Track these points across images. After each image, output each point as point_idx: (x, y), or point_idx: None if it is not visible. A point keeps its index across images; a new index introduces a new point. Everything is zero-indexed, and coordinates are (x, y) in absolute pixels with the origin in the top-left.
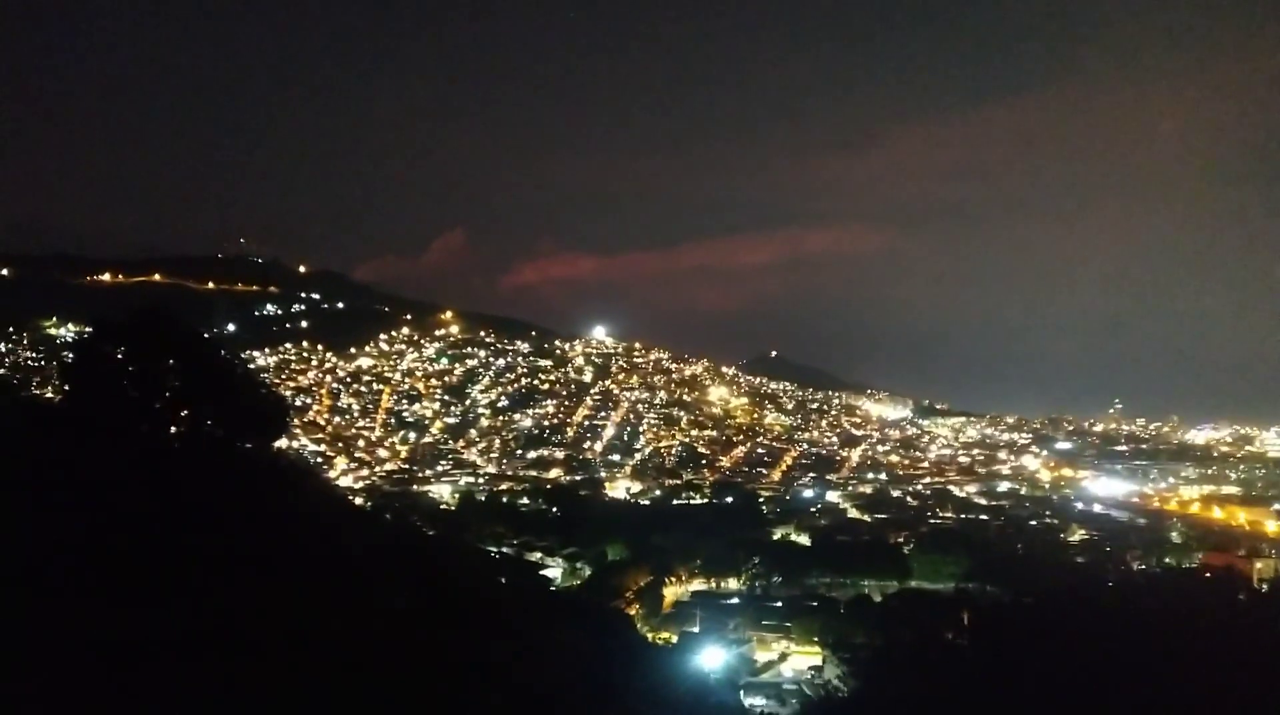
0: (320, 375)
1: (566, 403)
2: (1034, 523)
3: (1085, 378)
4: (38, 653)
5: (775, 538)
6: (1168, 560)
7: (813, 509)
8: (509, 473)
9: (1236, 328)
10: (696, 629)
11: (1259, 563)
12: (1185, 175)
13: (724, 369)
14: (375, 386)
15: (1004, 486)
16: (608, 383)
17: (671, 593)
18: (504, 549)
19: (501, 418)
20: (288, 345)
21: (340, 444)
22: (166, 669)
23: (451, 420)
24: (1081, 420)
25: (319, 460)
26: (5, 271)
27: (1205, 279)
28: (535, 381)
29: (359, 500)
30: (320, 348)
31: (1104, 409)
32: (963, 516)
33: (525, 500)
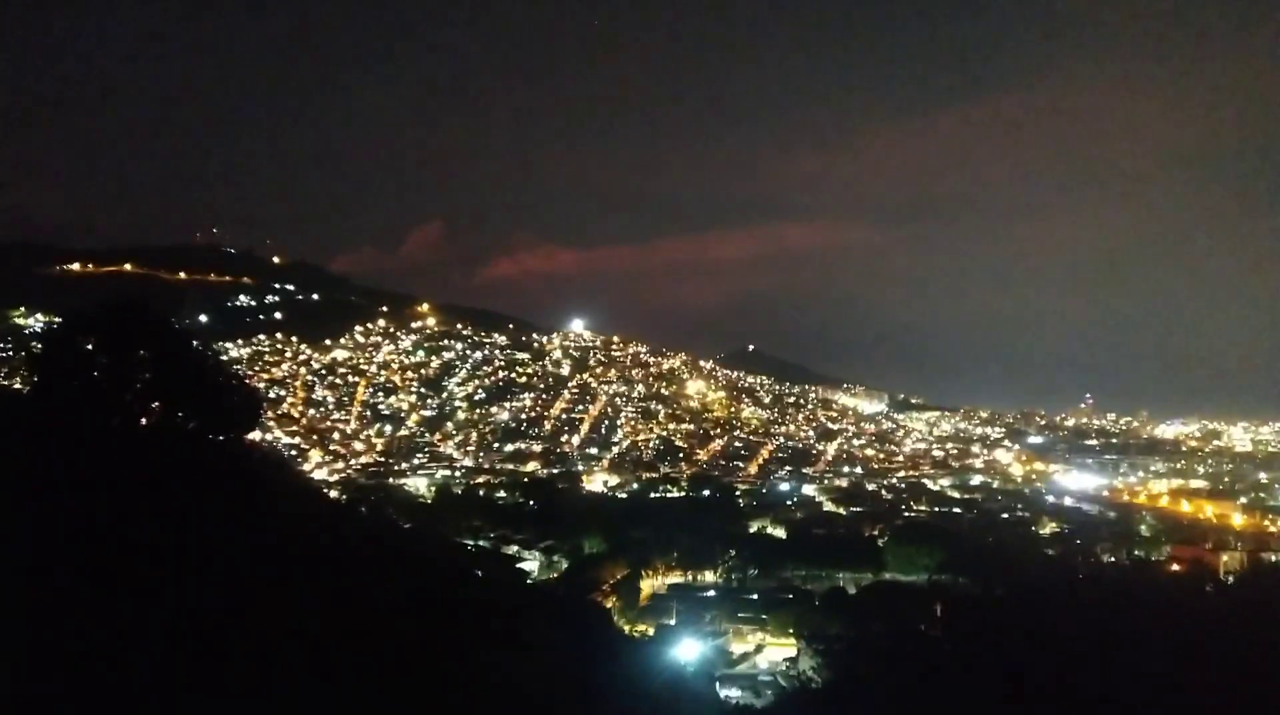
0: (295, 367)
1: (544, 396)
2: (1006, 516)
3: (1057, 373)
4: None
5: (751, 531)
6: (1137, 553)
7: (789, 502)
8: (486, 466)
9: (1206, 325)
10: (673, 621)
11: (1225, 555)
12: (1159, 175)
13: (702, 363)
14: (350, 379)
15: (977, 480)
16: (585, 376)
17: (648, 585)
18: (481, 542)
19: (478, 411)
20: (261, 337)
21: (315, 437)
22: (134, 665)
23: (428, 413)
24: (1053, 415)
25: (293, 453)
26: None
27: (1176, 277)
28: (512, 374)
29: (334, 493)
30: (295, 339)
31: (1075, 404)
32: (936, 509)
33: (502, 493)
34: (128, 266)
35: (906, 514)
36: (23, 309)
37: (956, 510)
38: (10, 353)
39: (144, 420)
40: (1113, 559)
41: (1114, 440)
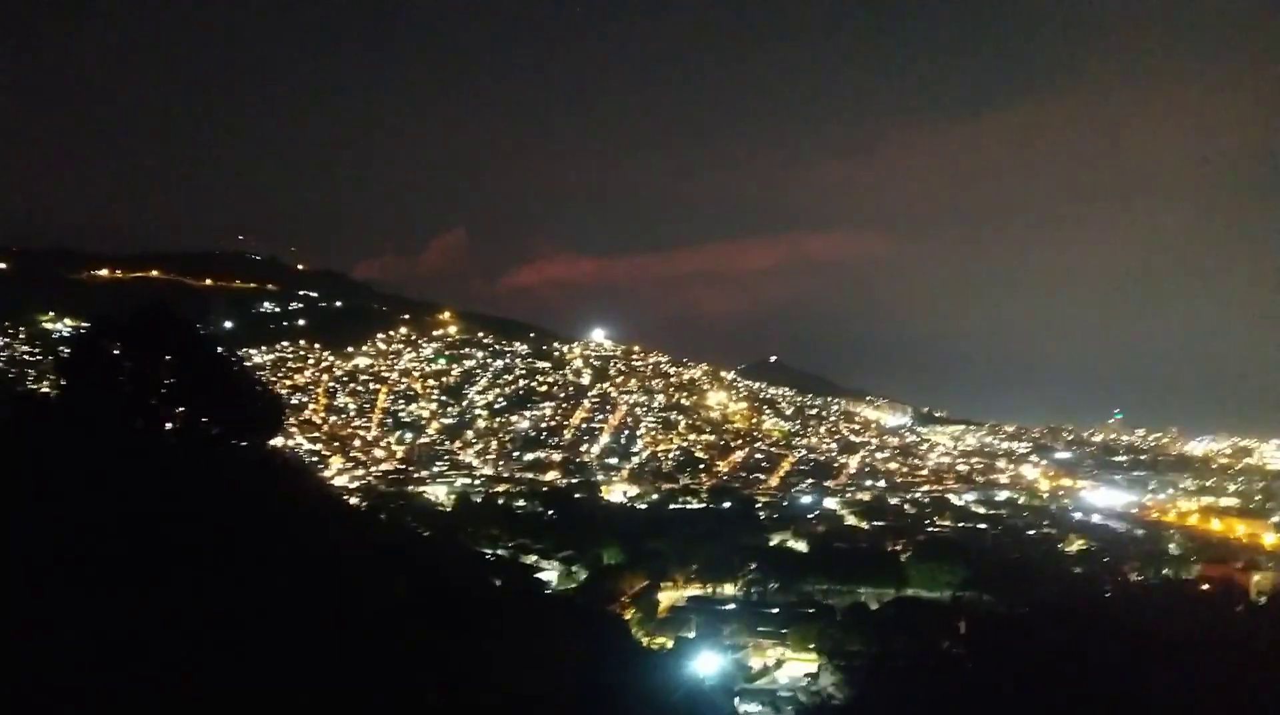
0: (317, 374)
1: (564, 405)
2: (1032, 532)
3: (1085, 387)
4: (29, 643)
5: (772, 544)
6: (1165, 572)
7: (810, 515)
8: (505, 474)
9: (1237, 339)
10: (692, 634)
11: (1256, 575)
12: (1187, 184)
13: (723, 374)
14: (372, 386)
15: (1002, 495)
16: (606, 386)
17: (667, 597)
18: (499, 551)
19: (498, 419)
20: (285, 343)
21: (336, 443)
22: (156, 663)
23: (448, 421)
24: (1081, 430)
25: (315, 459)
26: (3, 265)
27: (1207, 290)
28: (533, 383)
29: (354, 500)
30: (317, 346)
31: (1104, 419)
32: (960, 525)
33: (521, 502)
34: (154, 272)
35: (930, 529)
36: (51, 313)
37: (981, 526)
38: (39, 356)
39: (168, 424)
40: (1141, 578)
41: (1143, 456)
